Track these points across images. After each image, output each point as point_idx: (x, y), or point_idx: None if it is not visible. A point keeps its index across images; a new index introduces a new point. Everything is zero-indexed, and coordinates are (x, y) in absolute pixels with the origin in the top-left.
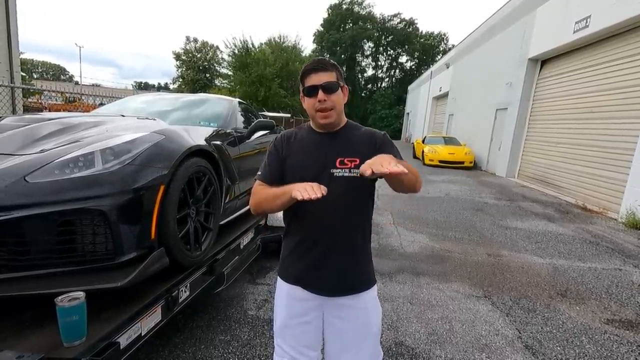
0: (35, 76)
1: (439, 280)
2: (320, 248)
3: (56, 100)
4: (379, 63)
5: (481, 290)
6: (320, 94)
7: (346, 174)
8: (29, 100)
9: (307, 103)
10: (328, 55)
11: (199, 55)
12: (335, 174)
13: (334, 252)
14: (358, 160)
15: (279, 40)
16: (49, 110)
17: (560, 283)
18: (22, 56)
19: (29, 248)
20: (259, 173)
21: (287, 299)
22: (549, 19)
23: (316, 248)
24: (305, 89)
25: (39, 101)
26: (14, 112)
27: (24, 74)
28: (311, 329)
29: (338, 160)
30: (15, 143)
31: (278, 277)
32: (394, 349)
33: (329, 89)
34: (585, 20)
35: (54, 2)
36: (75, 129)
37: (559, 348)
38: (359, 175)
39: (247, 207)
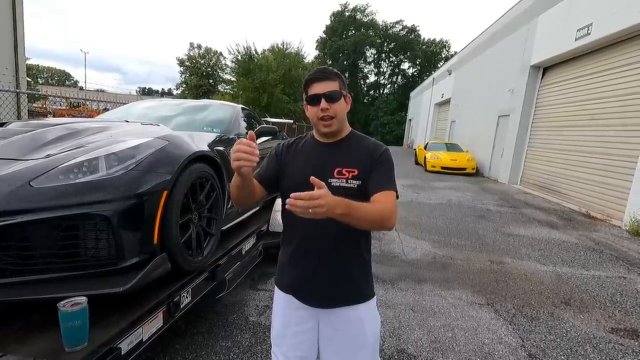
0: (40, 82)
1: (441, 287)
2: (311, 259)
3: (61, 105)
4: (381, 69)
5: (484, 298)
6: (323, 103)
7: (343, 184)
8: (34, 105)
9: (310, 111)
10: (330, 62)
11: (202, 62)
12: (332, 184)
13: (325, 264)
14: (357, 171)
15: (281, 47)
16: (54, 115)
17: (563, 291)
18: (27, 62)
19: (32, 252)
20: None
21: (283, 308)
22: (550, 27)
23: (307, 259)
24: (308, 97)
25: (44, 106)
26: (19, 117)
27: (29, 80)
28: (307, 338)
29: (336, 170)
30: (21, 148)
31: (275, 285)
32: (396, 357)
33: (331, 97)
34: (587, 28)
35: (60, 8)
36: (80, 134)
37: (562, 357)
38: (355, 186)
39: (249, 212)
